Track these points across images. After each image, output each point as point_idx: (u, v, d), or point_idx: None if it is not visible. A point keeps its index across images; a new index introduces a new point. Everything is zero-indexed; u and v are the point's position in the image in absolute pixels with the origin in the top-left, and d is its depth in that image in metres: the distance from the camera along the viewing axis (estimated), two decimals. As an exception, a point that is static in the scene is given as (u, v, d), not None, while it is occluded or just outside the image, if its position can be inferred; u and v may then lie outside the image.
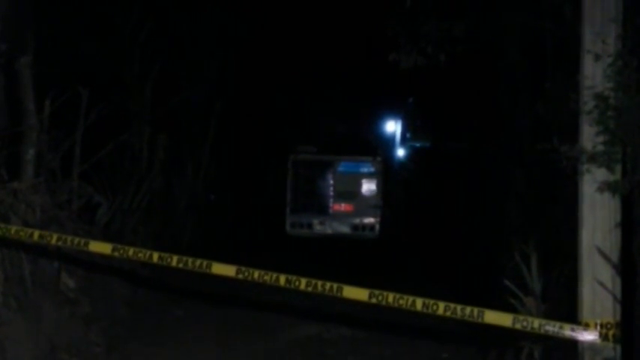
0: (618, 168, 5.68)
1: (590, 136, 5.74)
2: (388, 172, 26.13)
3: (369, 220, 23.74)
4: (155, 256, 5.97)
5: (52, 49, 11.17)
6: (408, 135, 31.42)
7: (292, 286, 5.63)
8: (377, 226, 23.73)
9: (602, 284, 5.64)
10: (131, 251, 6.09)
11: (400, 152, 32.58)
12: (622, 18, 5.74)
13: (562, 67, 7.82)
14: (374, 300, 5.45)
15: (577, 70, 5.89)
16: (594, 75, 5.74)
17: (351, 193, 23.85)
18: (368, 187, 24.02)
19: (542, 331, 5.27)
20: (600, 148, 5.67)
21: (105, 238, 10.44)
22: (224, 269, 5.80)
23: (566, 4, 7.43)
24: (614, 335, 5.43)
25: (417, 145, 29.94)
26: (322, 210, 23.85)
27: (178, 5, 16.23)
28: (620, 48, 5.71)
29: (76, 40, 12.80)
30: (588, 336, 5.38)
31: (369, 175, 24.09)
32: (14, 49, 9.20)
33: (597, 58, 5.69)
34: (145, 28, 14.85)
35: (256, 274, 5.70)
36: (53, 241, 6.38)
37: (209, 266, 5.82)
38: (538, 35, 9.60)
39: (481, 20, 10.97)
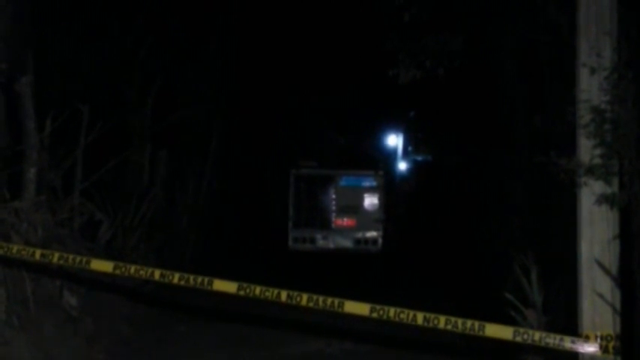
0: (616, 180, 5.71)
1: (587, 149, 5.77)
2: (390, 186, 26.16)
3: (371, 234, 23.74)
4: (157, 273, 5.99)
5: (52, 68, 11.22)
6: (409, 148, 31.47)
7: (294, 301, 5.65)
8: (379, 240, 23.73)
9: (601, 296, 5.66)
10: (133, 269, 6.11)
11: (402, 166, 32.62)
12: (617, 31, 5.78)
13: (558, 81, 7.86)
14: (375, 314, 5.47)
15: (573, 83, 5.93)
16: (590, 88, 5.78)
17: (353, 207, 23.86)
18: (370, 201, 24.03)
19: (542, 343, 5.28)
20: (597, 160, 5.70)
21: (107, 255, 10.47)
22: (225, 286, 5.81)
23: (562, 18, 7.48)
24: (614, 347, 5.44)
25: (419, 158, 29.98)
26: (324, 224, 23.85)
27: (178, 21, 16.29)
28: (615, 61, 5.75)
29: (76, 58, 12.85)
30: (589, 348, 5.38)
31: (371, 189, 24.11)
32: (14, 69, 9.24)
33: (593, 71, 5.73)
34: (145, 45, 14.91)
35: (258, 291, 5.72)
36: (55, 260, 6.40)
37: (210, 283, 5.84)
38: (534, 49, 9.65)
39: (478, 34, 11.01)
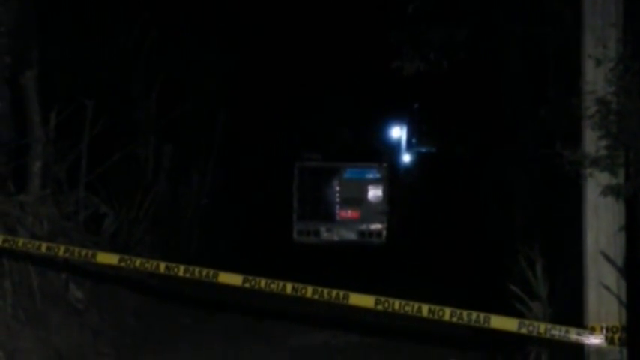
0: (621, 172, 5.70)
1: (592, 141, 5.75)
2: (394, 178, 26.18)
3: (375, 226, 23.78)
4: (162, 266, 6.00)
5: (57, 62, 11.22)
6: (413, 140, 31.45)
7: (299, 293, 5.66)
8: (383, 232, 23.78)
9: (607, 288, 5.65)
10: (138, 262, 6.12)
11: (406, 158, 32.61)
12: (622, 22, 5.76)
13: (563, 73, 7.85)
14: (380, 307, 5.48)
15: (578, 75, 5.91)
16: (596, 80, 5.76)
17: (357, 199, 23.90)
18: (374, 193, 24.07)
19: (548, 335, 5.28)
20: (603, 152, 5.69)
21: (112, 248, 10.50)
22: (230, 278, 5.82)
23: (567, 10, 7.46)
24: (619, 339, 5.44)
25: (423, 150, 29.98)
26: (329, 217, 23.90)
27: (183, 15, 16.29)
28: (621, 52, 5.73)
29: (80, 52, 12.86)
30: (594, 340, 5.38)
31: (375, 182, 24.14)
32: (19, 62, 9.26)
33: (598, 62, 5.71)
34: (149, 39, 14.91)
35: (263, 283, 5.73)
36: (61, 253, 6.41)
37: (216, 275, 5.85)
38: (539, 41, 9.63)
39: (482, 26, 10.99)
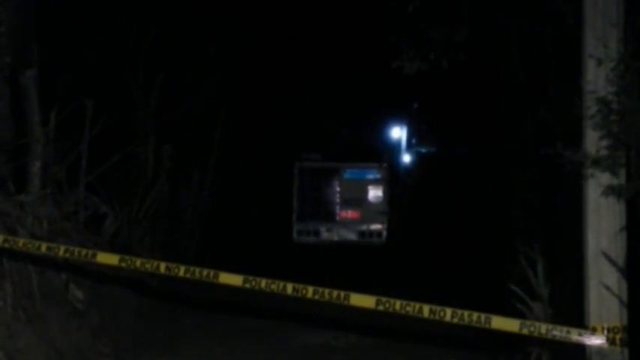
0: (622, 172, 5.70)
1: (593, 141, 5.75)
2: (394, 178, 26.18)
3: (375, 226, 23.79)
4: (162, 266, 5.98)
5: (57, 61, 11.20)
6: (413, 140, 31.43)
7: (299, 294, 5.64)
8: (384, 233, 23.79)
9: (608, 288, 5.65)
10: (138, 262, 6.10)
11: (406, 158, 32.58)
12: (623, 22, 5.76)
13: (564, 72, 7.84)
14: (381, 307, 5.46)
15: (579, 74, 5.91)
16: (596, 79, 5.76)
17: (357, 199, 23.91)
18: (374, 193, 24.08)
19: (549, 336, 5.27)
20: (604, 152, 5.69)
21: (112, 248, 10.48)
22: (231, 279, 5.80)
23: (568, 9, 7.45)
24: (621, 339, 5.43)
25: (423, 150, 29.97)
26: (329, 217, 23.92)
27: (182, 14, 16.28)
28: (621, 52, 5.73)
29: (80, 51, 12.84)
30: (595, 340, 5.36)
31: (375, 182, 24.15)
32: (19, 62, 9.23)
33: (599, 62, 5.71)
34: (149, 38, 14.88)
35: (263, 283, 5.71)
36: (61, 253, 6.39)
37: (216, 276, 5.83)
38: (540, 40, 9.62)
39: (483, 26, 10.97)
